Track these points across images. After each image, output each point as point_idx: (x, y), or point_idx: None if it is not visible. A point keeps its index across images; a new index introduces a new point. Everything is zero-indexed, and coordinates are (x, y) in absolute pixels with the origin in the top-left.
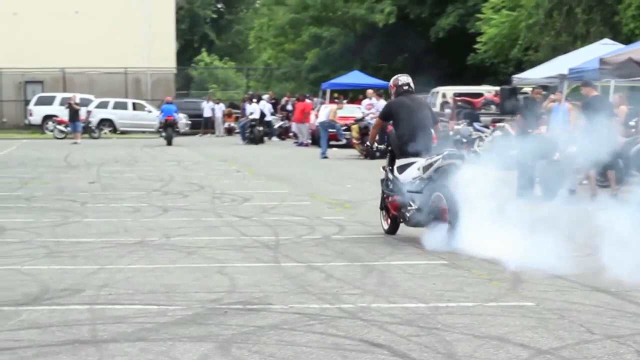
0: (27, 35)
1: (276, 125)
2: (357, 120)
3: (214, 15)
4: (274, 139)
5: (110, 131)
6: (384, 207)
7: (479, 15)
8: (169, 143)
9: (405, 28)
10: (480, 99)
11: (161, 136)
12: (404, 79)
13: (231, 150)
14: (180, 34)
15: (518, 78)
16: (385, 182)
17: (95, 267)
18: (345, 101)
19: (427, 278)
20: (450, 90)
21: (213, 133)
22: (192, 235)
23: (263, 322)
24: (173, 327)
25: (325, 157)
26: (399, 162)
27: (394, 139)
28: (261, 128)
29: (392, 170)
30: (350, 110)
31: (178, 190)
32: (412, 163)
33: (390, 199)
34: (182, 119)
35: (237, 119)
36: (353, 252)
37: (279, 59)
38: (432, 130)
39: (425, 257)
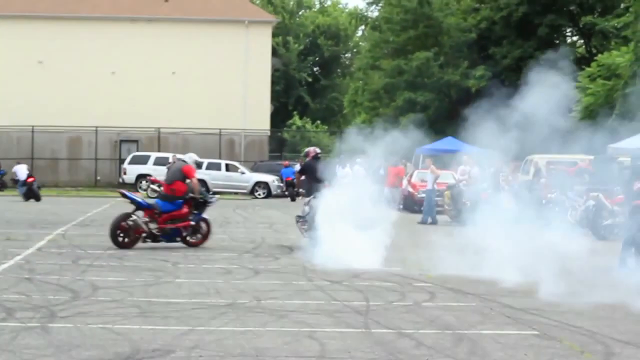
0: (124, 94)
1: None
2: (450, 187)
3: (309, 79)
4: None
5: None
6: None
7: (576, 84)
8: (293, 200)
9: (498, 93)
10: (574, 168)
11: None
12: (317, 150)
13: None
14: (275, 96)
15: (613, 148)
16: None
17: (186, 329)
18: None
19: (518, 348)
20: (543, 159)
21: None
22: (283, 299)
23: None
24: None
25: (426, 223)
26: (306, 200)
27: (305, 186)
28: None
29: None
30: (443, 177)
31: (269, 253)
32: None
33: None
34: (275, 182)
35: None
36: (444, 320)
37: (373, 123)
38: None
39: (517, 326)
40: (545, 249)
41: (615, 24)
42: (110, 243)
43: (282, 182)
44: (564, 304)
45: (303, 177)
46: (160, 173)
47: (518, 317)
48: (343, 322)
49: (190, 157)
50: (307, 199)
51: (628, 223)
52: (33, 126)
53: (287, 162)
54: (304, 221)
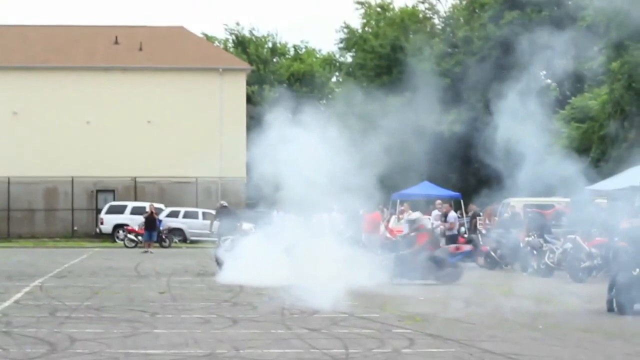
0: (100, 143)
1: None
2: None
3: None
4: None
5: (180, 240)
6: None
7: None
8: None
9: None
10: (551, 210)
11: None
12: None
13: None
14: (251, 143)
15: (590, 189)
16: None
17: None
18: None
19: None
20: (520, 202)
21: None
22: (262, 348)
23: None
24: None
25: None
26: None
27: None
28: None
29: None
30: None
31: (247, 302)
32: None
33: None
34: (253, 229)
35: None
36: None
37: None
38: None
39: None
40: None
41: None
42: (88, 294)
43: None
44: (540, 348)
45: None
46: (137, 222)
47: None
48: None
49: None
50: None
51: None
52: (9, 177)
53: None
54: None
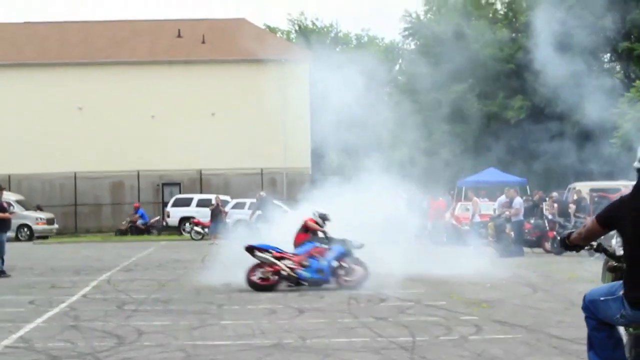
0: (164, 137)
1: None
2: (493, 218)
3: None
4: None
5: None
6: None
7: (614, 110)
8: None
9: (538, 122)
10: (618, 194)
11: None
12: (263, 193)
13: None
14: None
15: None
16: None
17: None
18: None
19: None
20: (586, 186)
21: None
22: (329, 337)
23: None
24: None
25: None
26: None
27: None
28: None
29: None
30: (485, 208)
31: (314, 292)
32: None
33: None
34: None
35: None
36: (491, 353)
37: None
38: None
39: (564, 357)
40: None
41: None
42: (155, 287)
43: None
44: None
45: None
46: (203, 215)
47: (565, 347)
48: (389, 359)
49: (315, 212)
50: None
51: None
52: (75, 172)
53: None
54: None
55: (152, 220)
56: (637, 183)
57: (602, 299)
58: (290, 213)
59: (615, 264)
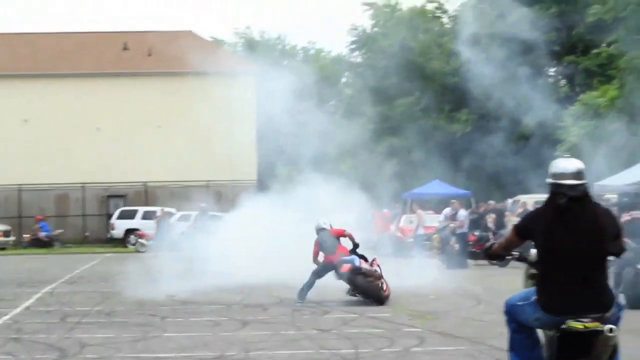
0: (110, 149)
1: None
2: (438, 230)
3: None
4: None
5: None
6: None
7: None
8: None
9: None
10: None
11: None
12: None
13: None
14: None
15: (599, 185)
16: None
17: None
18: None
19: None
20: (531, 199)
21: None
22: (272, 349)
23: None
24: None
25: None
26: None
27: None
28: None
29: None
30: (430, 220)
31: (258, 303)
32: None
33: None
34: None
35: None
36: None
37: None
38: None
39: None
40: None
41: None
42: (98, 299)
43: None
44: None
45: None
46: (148, 227)
47: (506, 358)
48: None
49: (319, 222)
50: None
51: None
52: (20, 185)
53: None
54: None
55: (55, 233)
56: (550, 196)
57: (519, 303)
58: (225, 217)
59: (534, 271)
